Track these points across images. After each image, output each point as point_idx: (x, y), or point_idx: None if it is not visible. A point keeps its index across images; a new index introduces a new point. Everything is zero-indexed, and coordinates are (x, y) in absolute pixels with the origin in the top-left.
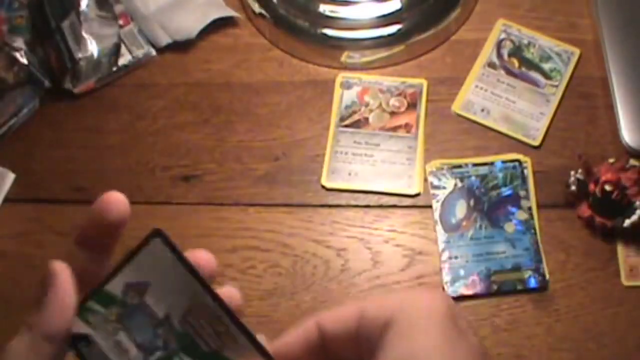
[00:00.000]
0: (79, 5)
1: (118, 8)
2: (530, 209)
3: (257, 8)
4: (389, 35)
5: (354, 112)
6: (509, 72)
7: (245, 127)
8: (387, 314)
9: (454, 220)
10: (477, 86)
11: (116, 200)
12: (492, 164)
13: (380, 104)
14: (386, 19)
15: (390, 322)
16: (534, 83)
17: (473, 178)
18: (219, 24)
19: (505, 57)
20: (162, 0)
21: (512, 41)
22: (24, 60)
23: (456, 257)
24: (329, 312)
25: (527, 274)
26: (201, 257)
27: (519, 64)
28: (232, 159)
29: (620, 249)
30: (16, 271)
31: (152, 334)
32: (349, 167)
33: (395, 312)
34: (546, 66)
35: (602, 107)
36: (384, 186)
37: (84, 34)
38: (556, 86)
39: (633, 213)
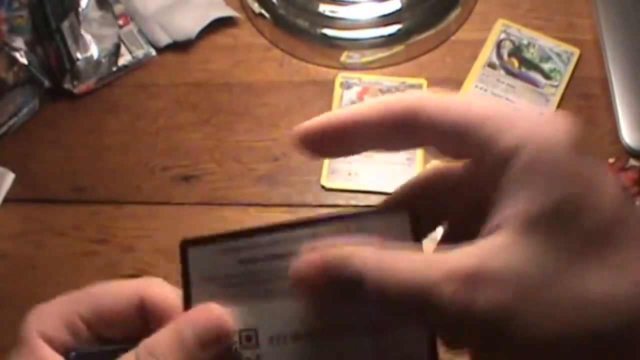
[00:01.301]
0: (78, 5)
1: (118, 8)
2: None
3: (256, 8)
4: (389, 35)
5: None
6: (509, 72)
7: (245, 127)
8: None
9: None
10: (477, 86)
11: None
12: None
13: None
14: (386, 19)
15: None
16: (534, 83)
17: None
18: (219, 24)
19: (505, 57)
20: (162, 1)
21: (511, 41)
22: (24, 60)
23: None
24: (435, 101)
25: None
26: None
27: (519, 64)
28: (232, 159)
29: None
30: (16, 271)
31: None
32: (348, 167)
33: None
34: (546, 66)
35: (602, 107)
36: (384, 186)
37: (84, 34)
38: (556, 86)
39: None
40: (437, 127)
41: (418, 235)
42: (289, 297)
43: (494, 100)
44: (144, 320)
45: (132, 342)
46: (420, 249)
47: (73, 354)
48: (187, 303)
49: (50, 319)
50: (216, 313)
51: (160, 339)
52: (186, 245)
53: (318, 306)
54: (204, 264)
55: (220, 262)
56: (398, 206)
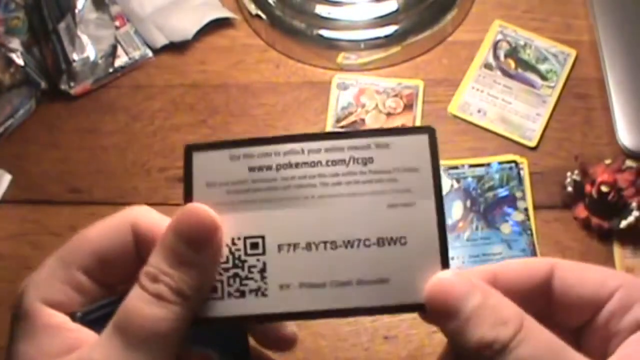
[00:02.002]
0: (75, 7)
1: (114, 9)
2: (526, 210)
3: (253, 9)
4: (385, 36)
5: (350, 114)
6: (505, 73)
7: (242, 128)
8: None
9: (450, 222)
10: (473, 87)
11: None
12: (488, 165)
13: (377, 105)
14: (382, 20)
15: None
16: (530, 84)
17: (469, 179)
18: (216, 25)
19: (502, 58)
20: (159, 2)
21: (508, 42)
22: (20, 62)
23: (452, 258)
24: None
25: None
26: None
27: (515, 65)
28: None
29: (617, 250)
30: (12, 272)
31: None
32: None
33: None
34: (542, 67)
35: (598, 108)
36: None
37: (80, 36)
38: (552, 87)
39: (629, 214)
40: (567, 288)
41: (435, 152)
42: (302, 207)
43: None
44: (142, 254)
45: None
46: None
47: (78, 313)
48: None
49: (49, 283)
50: (199, 211)
51: (155, 258)
52: (191, 149)
53: (334, 216)
54: (209, 169)
55: (227, 168)
56: (419, 127)
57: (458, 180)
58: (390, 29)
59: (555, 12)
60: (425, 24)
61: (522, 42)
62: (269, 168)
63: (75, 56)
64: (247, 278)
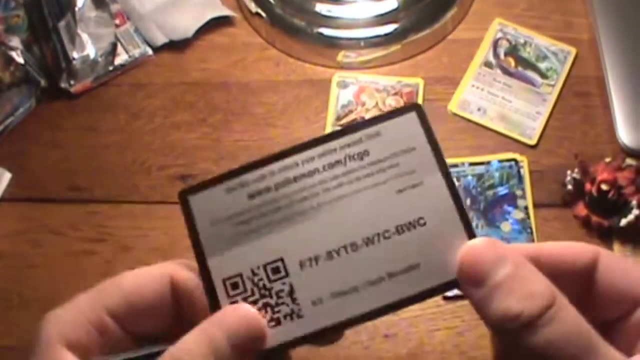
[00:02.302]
0: (75, 5)
1: (114, 7)
2: (526, 208)
3: (253, 7)
4: (385, 34)
5: (351, 112)
6: (505, 72)
7: (242, 126)
8: None
9: None
10: (473, 85)
11: None
12: (488, 163)
13: (377, 104)
14: (382, 18)
15: None
16: (530, 82)
17: (469, 177)
18: (216, 24)
19: (502, 56)
20: (159, 0)
21: (508, 40)
22: (20, 60)
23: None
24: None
25: None
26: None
27: (515, 63)
28: (229, 159)
29: (617, 249)
30: (13, 271)
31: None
32: None
33: None
34: (542, 65)
35: (598, 106)
36: None
37: (80, 34)
38: (552, 85)
39: (629, 212)
40: (609, 279)
41: (428, 127)
42: (312, 218)
43: None
44: (178, 308)
45: (164, 341)
46: None
47: None
48: (200, 256)
49: (72, 321)
50: (248, 313)
51: (189, 346)
52: (185, 194)
53: (346, 218)
54: (209, 208)
55: (226, 202)
56: (404, 107)
57: (458, 179)
58: (390, 27)
59: (555, 10)
60: (425, 22)
61: (522, 40)
62: (268, 190)
63: (75, 54)
64: (278, 304)
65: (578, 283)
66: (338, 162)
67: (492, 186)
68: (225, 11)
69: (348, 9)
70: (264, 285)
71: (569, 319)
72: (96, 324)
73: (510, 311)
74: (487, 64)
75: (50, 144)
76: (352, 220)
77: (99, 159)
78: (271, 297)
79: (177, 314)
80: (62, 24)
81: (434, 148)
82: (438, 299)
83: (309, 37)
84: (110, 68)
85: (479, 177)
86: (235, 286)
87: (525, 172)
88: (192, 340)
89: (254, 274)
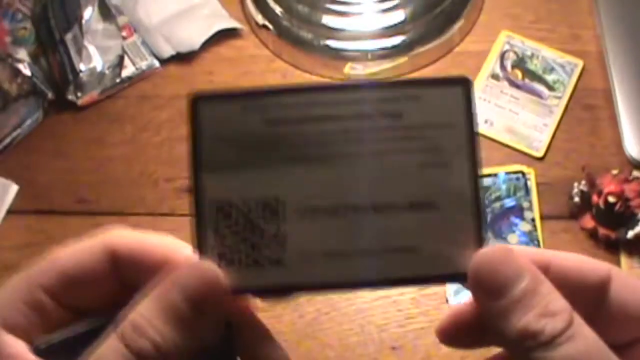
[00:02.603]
0: (82, 17)
1: (121, 20)
2: (533, 220)
3: (260, 20)
4: (393, 46)
5: None
6: (513, 84)
7: None
8: None
9: None
10: (480, 97)
11: None
12: (495, 175)
13: None
14: (390, 31)
15: None
16: (537, 94)
17: None
18: (223, 36)
19: (509, 68)
20: (166, 12)
21: (515, 53)
22: (27, 72)
23: None
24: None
25: None
26: None
27: (522, 75)
28: None
29: (624, 261)
30: None
31: None
32: None
33: None
34: (549, 78)
35: (605, 118)
36: None
37: (87, 46)
38: (559, 97)
39: (636, 224)
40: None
41: (470, 106)
42: (325, 166)
43: None
44: (119, 277)
45: (108, 313)
46: None
47: (42, 346)
48: (195, 169)
49: (7, 303)
50: (207, 271)
51: (147, 311)
52: (197, 99)
53: (359, 177)
54: (219, 122)
55: (239, 121)
56: (452, 78)
57: None
58: (397, 40)
59: (562, 23)
60: (432, 35)
61: (529, 53)
62: (287, 122)
63: (82, 66)
64: (263, 246)
65: (586, 301)
66: (369, 115)
67: (499, 198)
68: (233, 23)
69: (355, 21)
70: (255, 221)
71: (587, 337)
72: (33, 304)
73: (529, 328)
74: (494, 76)
75: (57, 156)
76: (366, 181)
77: (105, 171)
78: (258, 236)
79: (119, 282)
80: (69, 36)
81: (470, 132)
82: (445, 310)
83: (316, 49)
84: (117, 80)
85: (486, 189)
86: (224, 213)
87: (532, 184)
88: (150, 304)
89: (248, 206)
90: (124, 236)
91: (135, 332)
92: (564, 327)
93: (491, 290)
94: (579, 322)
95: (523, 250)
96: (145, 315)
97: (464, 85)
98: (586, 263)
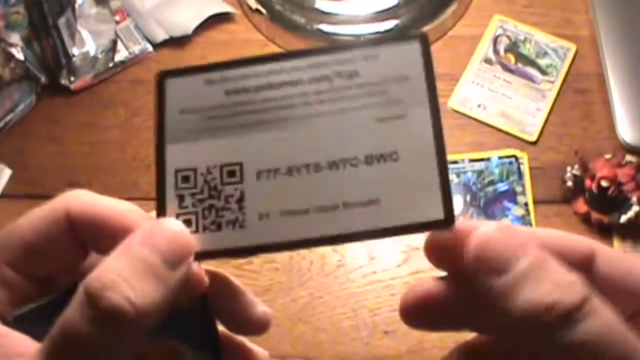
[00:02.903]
0: (75, 1)
1: (114, 4)
2: (526, 204)
3: (253, 4)
4: (386, 30)
5: None
6: (505, 68)
7: None
8: None
9: None
10: (473, 82)
11: None
12: (488, 159)
13: None
14: (383, 15)
15: None
16: (530, 79)
17: (469, 174)
18: (216, 20)
19: (502, 52)
20: None
21: (508, 37)
22: (20, 56)
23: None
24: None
25: None
26: None
27: (515, 59)
28: None
29: (617, 245)
30: None
31: None
32: None
33: None
34: (542, 62)
35: (598, 102)
36: None
37: (80, 30)
38: (552, 82)
39: (629, 209)
40: (611, 277)
41: (428, 59)
42: (283, 129)
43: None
44: (80, 242)
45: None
46: None
47: (9, 318)
48: (159, 141)
49: None
50: (176, 225)
51: (118, 268)
52: (164, 76)
53: (317, 137)
54: (183, 95)
55: (202, 93)
56: (409, 35)
57: (458, 175)
58: (390, 24)
59: (555, 7)
60: (425, 19)
61: (522, 37)
62: (247, 90)
63: (75, 51)
64: (223, 209)
65: None
66: (325, 77)
67: (492, 182)
68: (226, 8)
69: (348, 6)
70: (216, 186)
71: (608, 314)
72: None
73: (542, 301)
74: (487, 61)
75: (50, 140)
76: (322, 140)
77: (98, 156)
78: (219, 199)
79: (81, 247)
80: (62, 21)
81: (429, 82)
82: None
83: (309, 34)
84: (110, 65)
85: (479, 173)
86: (186, 179)
87: (525, 168)
88: (119, 262)
89: (208, 172)
90: (79, 199)
91: (106, 289)
92: (580, 301)
93: (494, 266)
94: (596, 296)
95: (517, 227)
96: (116, 271)
97: (421, 39)
98: (570, 239)
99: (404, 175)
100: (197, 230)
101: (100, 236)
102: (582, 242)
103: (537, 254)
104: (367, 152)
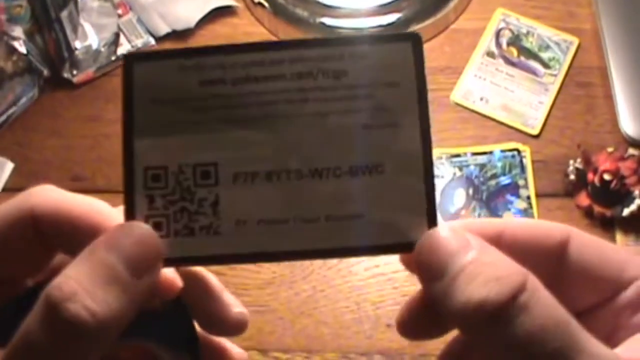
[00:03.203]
0: None
1: None
2: (529, 198)
3: None
4: (388, 24)
5: None
6: (508, 61)
7: None
8: None
9: (452, 209)
10: (475, 75)
11: None
12: (490, 153)
13: None
14: (385, 8)
15: None
16: (533, 72)
17: (472, 167)
18: (218, 13)
19: (504, 46)
20: None
21: (510, 30)
22: (23, 50)
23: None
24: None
25: None
26: None
27: (518, 53)
28: None
29: (619, 238)
30: None
31: None
32: None
33: None
34: (545, 55)
35: (601, 96)
36: None
37: (83, 24)
38: (555, 75)
39: (632, 202)
40: (584, 263)
41: (420, 63)
42: (263, 129)
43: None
44: (45, 241)
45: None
46: None
47: None
48: (127, 134)
49: None
50: (144, 232)
51: (78, 274)
52: (132, 60)
53: (299, 140)
54: (154, 83)
55: (175, 82)
56: (401, 34)
57: (460, 169)
58: (392, 17)
59: (558, 0)
60: (427, 12)
61: (524, 30)
62: (224, 82)
63: (77, 44)
64: (197, 213)
65: (546, 268)
66: (309, 74)
67: (494, 176)
68: (228, 1)
69: None
70: (188, 187)
71: (545, 305)
72: None
73: (472, 298)
74: (490, 54)
75: (53, 133)
76: (305, 144)
77: (101, 149)
78: (192, 202)
79: (46, 247)
80: (64, 14)
81: (420, 90)
82: None
83: (312, 27)
84: (113, 58)
85: (482, 166)
86: (156, 178)
87: (527, 161)
88: (80, 268)
89: (181, 171)
90: (45, 195)
91: (66, 299)
92: (511, 291)
93: (430, 271)
94: (534, 287)
95: (470, 223)
96: (76, 278)
97: (413, 40)
98: (541, 227)
99: (390, 190)
100: (167, 235)
101: (66, 236)
102: (556, 228)
103: (474, 251)
104: (352, 162)
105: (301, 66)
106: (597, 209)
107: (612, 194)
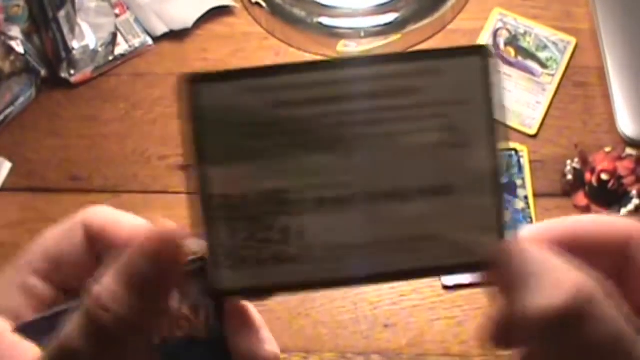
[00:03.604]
0: None
1: None
2: (526, 198)
3: None
4: (385, 24)
5: None
6: (505, 61)
7: None
8: None
9: None
10: None
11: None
12: None
13: None
14: (382, 8)
15: None
16: (530, 72)
17: None
18: (216, 13)
19: (502, 46)
20: None
21: (508, 30)
22: (20, 49)
23: None
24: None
25: None
26: None
27: (515, 53)
28: None
29: None
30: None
31: None
32: None
33: None
34: (542, 55)
35: (598, 96)
36: None
37: (80, 23)
38: (552, 75)
39: (629, 202)
40: None
41: (488, 80)
42: (336, 152)
43: None
44: (98, 255)
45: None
46: None
47: (20, 324)
48: (198, 162)
49: (2, 289)
50: (166, 227)
51: (107, 283)
52: (195, 80)
53: (378, 164)
54: (220, 106)
55: (242, 104)
56: (468, 47)
57: None
58: (390, 17)
59: (555, 0)
60: (425, 12)
61: (522, 30)
62: (295, 104)
63: (75, 44)
64: (271, 241)
65: (614, 262)
66: (386, 92)
67: None
68: (225, 1)
69: None
70: (264, 216)
71: (604, 320)
72: (22, 287)
73: (538, 307)
74: None
75: (50, 133)
76: (378, 167)
77: (98, 149)
78: (269, 232)
79: (96, 260)
80: (62, 14)
81: (489, 108)
82: (438, 288)
83: (309, 27)
84: (110, 58)
85: None
86: (230, 207)
87: (525, 161)
88: (109, 276)
89: (256, 199)
90: (98, 214)
91: (96, 303)
92: (568, 299)
93: (509, 282)
94: (598, 299)
95: (542, 228)
96: (104, 283)
97: (482, 54)
98: (604, 225)
99: (461, 211)
100: (244, 265)
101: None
102: (619, 226)
103: (545, 260)
104: (424, 183)
105: (378, 84)
106: (595, 208)
107: (609, 194)
